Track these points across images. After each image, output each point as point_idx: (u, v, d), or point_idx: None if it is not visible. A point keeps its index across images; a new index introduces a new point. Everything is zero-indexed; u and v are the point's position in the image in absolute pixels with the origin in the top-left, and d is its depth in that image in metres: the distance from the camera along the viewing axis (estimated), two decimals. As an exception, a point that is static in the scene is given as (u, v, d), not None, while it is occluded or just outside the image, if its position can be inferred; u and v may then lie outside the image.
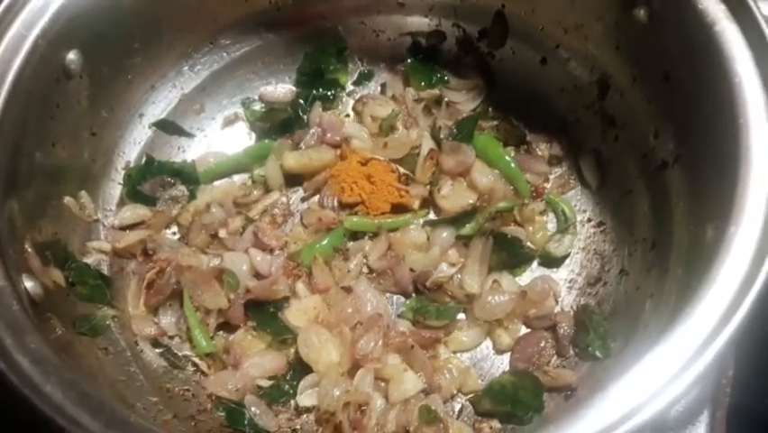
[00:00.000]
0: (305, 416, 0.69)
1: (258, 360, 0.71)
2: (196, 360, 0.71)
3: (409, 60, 0.88)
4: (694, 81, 0.61)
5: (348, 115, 0.88)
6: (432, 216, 0.80)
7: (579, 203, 0.80)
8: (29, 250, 0.59)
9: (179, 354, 0.71)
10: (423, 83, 0.87)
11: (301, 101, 0.87)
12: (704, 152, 0.59)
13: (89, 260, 0.71)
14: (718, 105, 0.56)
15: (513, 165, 0.81)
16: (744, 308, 0.45)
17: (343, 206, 0.81)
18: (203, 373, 0.70)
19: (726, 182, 0.52)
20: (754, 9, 0.56)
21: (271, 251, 0.76)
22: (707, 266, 0.49)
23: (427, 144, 0.82)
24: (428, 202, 0.80)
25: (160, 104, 0.82)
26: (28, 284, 0.55)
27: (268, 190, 0.82)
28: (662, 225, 0.67)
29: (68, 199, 0.71)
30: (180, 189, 0.81)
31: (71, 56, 0.67)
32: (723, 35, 0.57)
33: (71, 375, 0.46)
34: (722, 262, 0.48)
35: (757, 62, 0.55)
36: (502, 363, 0.72)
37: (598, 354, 0.67)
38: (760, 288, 0.45)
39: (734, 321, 0.44)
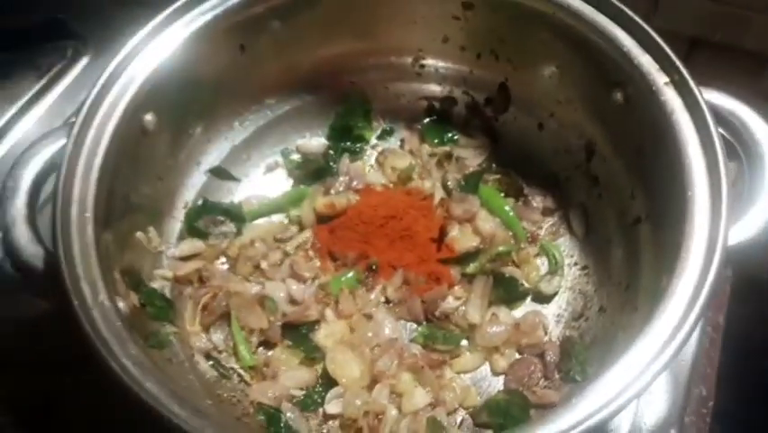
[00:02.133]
0: (331, 422, 0.77)
1: (292, 373, 0.80)
2: (241, 371, 0.80)
3: (425, 121, 0.99)
4: (659, 155, 0.72)
5: (372, 166, 0.98)
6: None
7: (567, 249, 0.89)
8: (117, 276, 0.72)
9: (227, 366, 0.80)
10: (436, 140, 0.98)
11: (332, 152, 0.98)
12: (665, 215, 0.70)
13: (155, 285, 0.82)
14: (675, 178, 0.67)
15: (512, 214, 0.91)
16: (677, 340, 0.57)
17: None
18: (246, 382, 0.80)
19: (676, 242, 0.64)
20: (702, 102, 0.68)
21: (305, 281, 0.86)
22: (659, 308, 0.62)
23: (439, 194, 0.93)
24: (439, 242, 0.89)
25: (214, 153, 0.93)
26: (120, 305, 0.66)
27: (302, 229, 0.92)
28: (634, 271, 0.77)
29: (139, 234, 0.82)
30: (229, 226, 0.91)
31: (148, 117, 0.79)
32: (678, 123, 0.68)
33: (162, 376, 0.58)
34: (666, 305, 0.60)
35: (702, 146, 0.67)
36: (498, 383, 0.81)
37: (577, 377, 0.77)
38: (691, 325, 0.58)
39: (669, 350, 0.57)
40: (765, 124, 0.70)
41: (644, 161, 0.77)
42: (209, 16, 0.81)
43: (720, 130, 0.69)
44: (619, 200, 0.83)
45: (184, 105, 0.84)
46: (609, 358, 0.61)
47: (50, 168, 0.72)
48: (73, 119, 0.72)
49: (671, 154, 0.69)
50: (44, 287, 0.68)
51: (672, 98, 0.70)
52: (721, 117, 0.70)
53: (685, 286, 0.61)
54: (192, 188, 0.92)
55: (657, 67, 0.72)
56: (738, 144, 0.70)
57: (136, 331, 0.67)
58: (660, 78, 0.72)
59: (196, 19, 0.81)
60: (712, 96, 0.70)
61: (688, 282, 0.61)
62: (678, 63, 0.71)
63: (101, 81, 0.75)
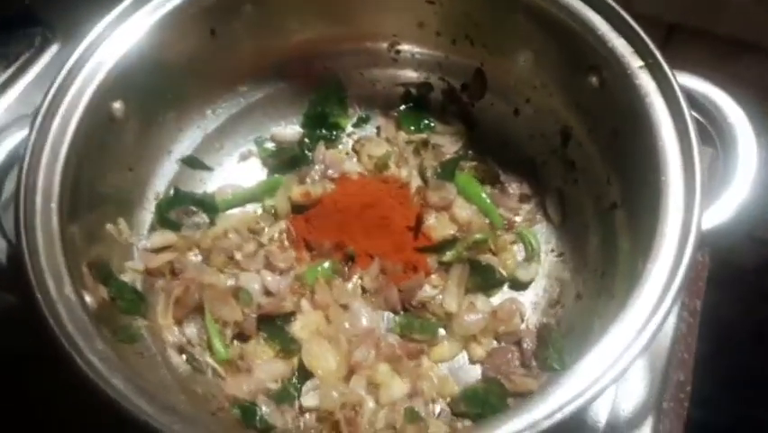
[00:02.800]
0: (307, 415, 0.77)
1: (268, 366, 0.79)
2: (216, 365, 0.79)
3: (401, 108, 0.99)
4: (634, 139, 0.72)
5: (347, 154, 0.97)
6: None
7: (544, 235, 0.90)
8: (84, 269, 0.70)
9: (201, 360, 0.79)
10: (413, 127, 0.97)
11: (307, 141, 0.97)
12: (640, 200, 0.70)
13: (126, 278, 0.81)
14: (649, 162, 0.68)
15: (488, 201, 0.91)
16: (652, 326, 0.57)
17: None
18: (221, 376, 0.79)
19: (651, 227, 0.64)
20: (675, 85, 0.68)
21: (280, 272, 0.86)
22: (634, 293, 0.62)
23: (415, 182, 0.93)
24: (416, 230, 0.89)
25: (186, 142, 0.92)
26: (87, 299, 0.65)
27: (277, 219, 0.91)
28: (610, 258, 0.77)
29: (109, 226, 0.81)
30: (202, 217, 0.90)
31: (116, 105, 0.78)
32: (652, 106, 0.69)
33: (129, 372, 0.57)
34: (641, 290, 0.60)
35: (676, 129, 0.67)
36: (476, 372, 0.81)
37: (555, 366, 0.77)
38: (666, 310, 0.58)
39: (645, 336, 0.57)
40: (738, 107, 0.70)
41: (619, 145, 0.77)
42: (179, 0, 0.79)
43: (695, 114, 0.69)
44: (595, 186, 0.83)
45: (153, 92, 0.83)
46: (586, 346, 0.61)
47: (15, 159, 0.70)
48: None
49: (645, 138, 0.69)
50: (9, 281, 0.67)
51: (646, 82, 0.70)
52: (695, 101, 0.70)
53: (660, 270, 0.61)
54: (163, 177, 0.91)
55: (632, 50, 0.72)
56: (712, 128, 0.70)
57: (105, 325, 0.66)
58: (634, 62, 0.72)
59: (165, 3, 0.79)
60: (686, 80, 0.70)
61: (662, 267, 0.61)
62: (652, 47, 0.71)
63: (66, 68, 0.73)
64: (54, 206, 0.67)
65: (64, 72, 0.73)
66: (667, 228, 0.63)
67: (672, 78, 0.69)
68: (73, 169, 0.71)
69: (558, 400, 0.56)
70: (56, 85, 0.73)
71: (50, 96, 0.72)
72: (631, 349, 0.57)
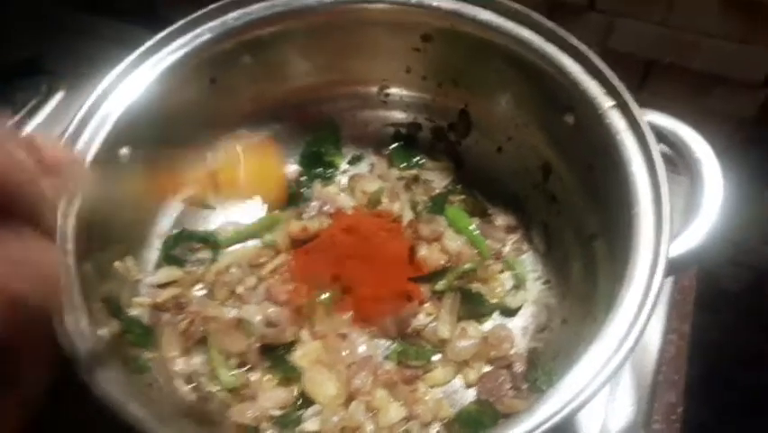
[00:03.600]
0: None
1: (271, 394, 0.82)
2: (221, 394, 0.82)
3: (392, 146, 1.03)
4: (608, 173, 0.76)
5: (342, 190, 1.01)
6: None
7: (530, 264, 0.93)
8: (97, 304, 0.74)
9: (207, 389, 0.82)
10: (404, 164, 1.02)
11: (304, 179, 1.02)
12: (616, 230, 0.74)
13: (134, 312, 0.84)
14: (623, 194, 0.72)
15: (477, 232, 0.95)
16: (628, 344, 0.61)
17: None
18: (226, 404, 0.81)
19: (625, 255, 0.68)
20: (642, 123, 0.73)
21: (280, 304, 0.88)
22: (610, 316, 0.66)
23: (407, 215, 0.97)
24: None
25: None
26: (100, 332, 0.68)
27: (277, 253, 0.95)
28: (592, 284, 0.81)
29: (117, 264, 0.85)
30: (205, 253, 0.94)
31: (124, 151, 0.82)
32: (623, 143, 0.73)
33: (145, 398, 0.61)
34: (617, 313, 0.64)
35: (646, 164, 0.71)
36: (469, 395, 0.84)
37: (543, 387, 0.80)
38: (640, 330, 0.62)
39: (620, 354, 0.61)
40: (704, 142, 0.74)
41: (595, 178, 0.82)
42: (181, 53, 0.85)
43: (665, 148, 0.74)
44: (576, 217, 0.87)
45: (158, 138, 0.87)
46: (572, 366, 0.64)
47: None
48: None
49: (618, 172, 0.73)
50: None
51: (616, 120, 0.75)
52: (665, 137, 0.75)
53: (633, 294, 0.65)
54: (169, 216, 0.95)
55: (603, 91, 0.77)
56: (680, 162, 0.75)
57: (117, 357, 0.69)
58: (605, 102, 0.76)
59: (168, 55, 0.85)
60: (655, 118, 0.75)
61: (636, 291, 0.65)
62: (621, 88, 0.76)
63: (78, 117, 0.78)
64: (71, 246, 0.71)
65: (76, 120, 0.78)
66: (639, 256, 0.67)
67: (638, 116, 0.74)
68: (86, 212, 0.75)
69: (543, 414, 0.59)
70: (69, 132, 0.78)
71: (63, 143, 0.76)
72: (607, 367, 0.61)
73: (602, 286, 0.79)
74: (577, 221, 0.87)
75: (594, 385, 0.60)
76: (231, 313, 0.88)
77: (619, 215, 0.73)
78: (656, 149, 0.72)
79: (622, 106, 0.76)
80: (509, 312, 0.90)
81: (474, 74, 0.93)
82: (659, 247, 0.66)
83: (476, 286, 0.91)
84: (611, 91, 0.77)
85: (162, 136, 0.88)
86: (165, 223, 0.94)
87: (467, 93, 0.96)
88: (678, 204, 0.71)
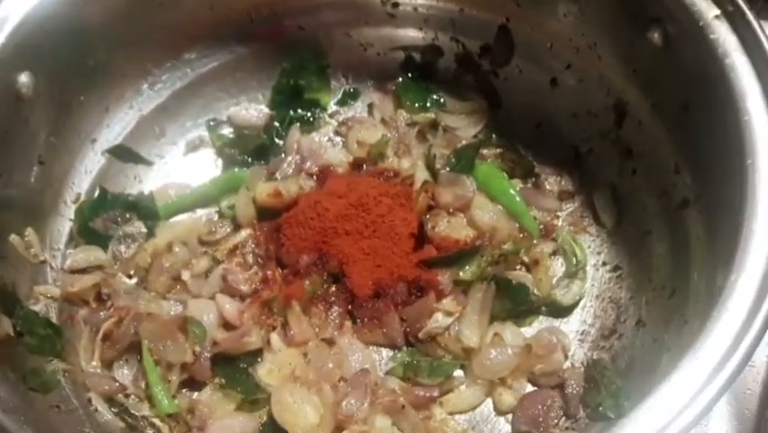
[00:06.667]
0: None
1: (227, 422, 0.80)
2: (156, 421, 0.80)
3: (401, 79, 1.00)
4: (709, 114, 0.73)
5: (330, 140, 0.99)
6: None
7: (593, 244, 0.91)
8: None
9: (137, 414, 0.80)
10: (416, 105, 0.99)
11: (276, 124, 0.99)
12: (718, 193, 0.71)
13: (37, 306, 0.81)
14: (730, 142, 0.68)
15: (518, 200, 0.92)
16: (736, 360, 0.57)
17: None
18: None
19: (733, 228, 0.64)
20: (764, 40, 0.68)
21: (242, 297, 0.86)
22: (712, 317, 0.62)
23: (421, 175, 0.93)
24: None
25: (115, 127, 0.93)
26: None
27: (238, 227, 0.92)
28: (681, 271, 0.78)
29: (13, 237, 0.81)
30: (137, 226, 0.92)
31: (23, 78, 0.78)
32: (734, 69, 0.69)
33: (45, 425, 0.58)
34: (722, 312, 0.60)
35: (766, 97, 0.67)
36: (504, 426, 0.82)
37: (609, 413, 0.77)
38: (755, 337, 0.58)
39: (725, 374, 0.57)
40: None
41: (690, 122, 0.78)
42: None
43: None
44: (660, 177, 0.84)
45: (70, 62, 0.84)
46: (650, 387, 0.61)
47: None
48: None
49: (725, 111, 0.70)
50: None
51: (724, 36, 0.71)
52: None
53: (746, 285, 0.61)
54: (85, 174, 0.92)
55: (704, -5, 0.73)
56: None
57: (10, 368, 0.68)
58: (708, 11, 0.73)
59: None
60: (779, 32, 0.71)
61: (750, 280, 0.61)
62: (732, -11, 0.72)
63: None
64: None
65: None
66: (756, 227, 0.63)
67: (757, 29, 0.70)
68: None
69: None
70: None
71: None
72: (708, 390, 0.57)
73: (697, 274, 0.76)
74: (661, 183, 0.84)
75: (687, 416, 0.56)
76: (173, 309, 0.86)
77: (725, 171, 0.70)
78: (784, 76, 0.68)
79: (732, 16, 0.72)
80: (561, 311, 0.88)
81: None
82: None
83: (516, 274, 0.89)
84: (716, -6, 0.73)
85: (76, 60, 0.85)
86: (80, 183, 0.92)
87: (510, 1, 0.92)
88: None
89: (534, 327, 0.88)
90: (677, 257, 0.81)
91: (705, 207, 0.77)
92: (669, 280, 0.82)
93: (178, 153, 0.98)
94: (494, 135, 0.98)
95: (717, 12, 0.73)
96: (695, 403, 0.58)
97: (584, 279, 0.89)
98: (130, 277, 0.90)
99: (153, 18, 0.90)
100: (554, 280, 0.89)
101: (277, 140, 0.98)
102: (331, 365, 0.83)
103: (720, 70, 0.71)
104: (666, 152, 0.84)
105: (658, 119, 0.85)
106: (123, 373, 0.83)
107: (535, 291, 0.88)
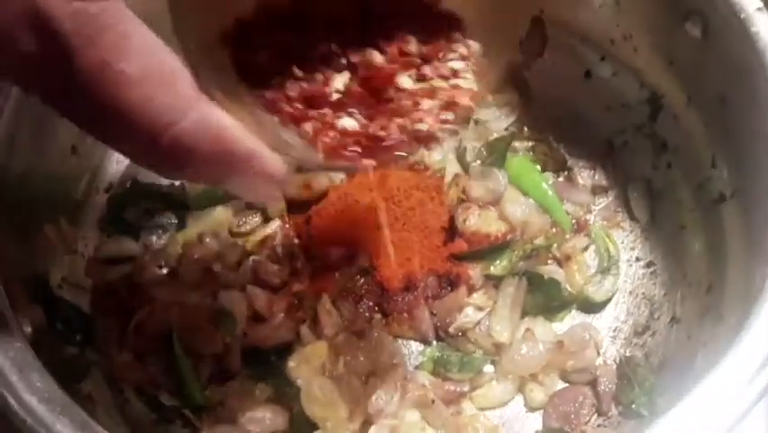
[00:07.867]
0: None
1: (257, 415, 0.80)
2: (187, 412, 0.80)
3: None
4: (747, 108, 0.72)
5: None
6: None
7: (626, 240, 0.91)
8: (15, 285, 0.71)
9: (168, 404, 0.81)
10: None
11: None
12: (756, 188, 0.71)
13: (68, 296, 0.82)
14: None
15: (551, 194, 0.92)
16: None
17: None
18: (195, 427, 0.80)
19: None
20: None
21: (272, 289, 0.87)
22: (752, 314, 0.61)
23: (452, 168, 0.94)
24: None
25: None
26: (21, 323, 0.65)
27: (268, 219, 0.93)
28: (717, 267, 0.78)
29: (47, 227, 0.82)
30: (168, 216, 0.92)
31: None
32: None
33: (80, 415, 0.58)
34: (762, 310, 0.60)
35: None
36: (535, 422, 0.82)
37: (643, 411, 0.78)
38: None
39: (765, 373, 0.56)
40: None
41: (728, 115, 0.77)
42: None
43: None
44: (696, 171, 0.84)
45: None
46: (685, 384, 0.61)
47: None
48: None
49: (763, 105, 0.70)
50: None
51: (765, 29, 0.71)
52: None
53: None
54: (117, 164, 0.93)
55: (747, -15, 0.73)
56: None
57: (43, 358, 0.66)
58: (750, 3, 0.72)
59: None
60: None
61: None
62: (775, -19, 0.71)
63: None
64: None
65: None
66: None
67: None
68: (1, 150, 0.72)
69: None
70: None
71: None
72: (748, 390, 0.57)
73: (733, 270, 0.75)
74: (698, 177, 0.84)
75: (724, 417, 0.56)
76: (204, 301, 0.86)
77: (763, 165, 0.70)
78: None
79: (774, 9, 0.71)
80: (594, 306, 0.88)
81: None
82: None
83: (548, 269, 0.89)
84: (758, -15, 0.72)
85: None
86: (113, 171, 0.92)
87: (544, -11, 0.91)
88: None
89: (565, 323, 0.88)
90: (713, 253, 0.81)
91: (742, 202, 0.77)
92: (704, 275, 0.81)
93: (210, 143, 0.97)
94: (526, 128, 0.98)
95: (760, 4, 0.72)
96: (735, 402, 0.57)
97: (617, 274, 0.89)
98: (161, 267, 0.90)
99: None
100: (587, 276, 0.89)
101: (308, 129, 0.98)
102: (361, 359, 0.83)
103: (760, 63, 0.71)
104: (702, 145, 0.83)
105: (694, 112, 0.84)
106: (154, 364, 0.83)
107: (567, 287, 0.88)
